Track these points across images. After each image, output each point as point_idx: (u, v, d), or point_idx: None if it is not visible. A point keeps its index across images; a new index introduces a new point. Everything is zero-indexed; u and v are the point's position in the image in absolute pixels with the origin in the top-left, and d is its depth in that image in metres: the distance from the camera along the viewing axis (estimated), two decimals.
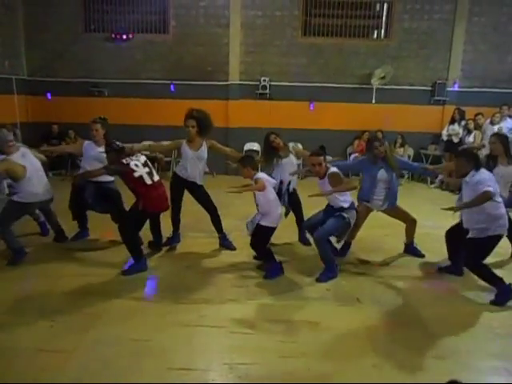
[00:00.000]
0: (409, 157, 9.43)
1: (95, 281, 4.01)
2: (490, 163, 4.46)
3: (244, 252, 4.75)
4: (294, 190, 5.04)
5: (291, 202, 4.99)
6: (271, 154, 4.87)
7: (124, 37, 9.47)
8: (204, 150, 4.77)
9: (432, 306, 3.69)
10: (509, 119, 8.25)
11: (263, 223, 4.11)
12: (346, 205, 4.19)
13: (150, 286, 4.04)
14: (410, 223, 4.80)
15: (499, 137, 4.62)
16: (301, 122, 9.43)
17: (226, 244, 4.98)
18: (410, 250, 4.91)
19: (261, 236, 4.17)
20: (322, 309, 3.59)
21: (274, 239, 4.56)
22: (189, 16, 9.52)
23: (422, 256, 4.82)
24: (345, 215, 4.18)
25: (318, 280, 4.11)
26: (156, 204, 4.28)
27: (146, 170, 4.24)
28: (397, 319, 3.48)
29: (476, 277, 3.89)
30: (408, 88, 9.63)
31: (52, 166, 8.78)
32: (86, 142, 4.95)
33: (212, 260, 4.65)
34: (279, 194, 4.69)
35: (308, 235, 4.85)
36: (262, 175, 4.19)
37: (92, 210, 4.98)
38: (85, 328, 3.17)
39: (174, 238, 5.03)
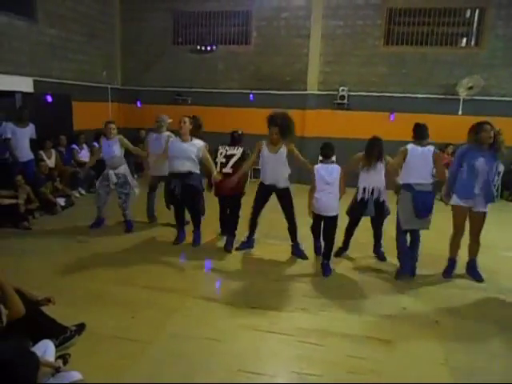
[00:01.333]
0: (499, 174, 8.73)
1: (173, 278, 4.25)
2: None
3: (318, 262, 4.74)
4: (383, 201, 4.71)
5: (376, 212, 4.69)
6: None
7: (208, 48, 9.94)
8: (283, 152, 4.81)
9: None
10: None
11: None
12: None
13: (223, 288, 4.18)
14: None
15: None
16: (380, 133, 9.07)
17: (298, 253, 5.00)
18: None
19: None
20: (395, 327, 3.46)
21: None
22: (270, 27, 9.74)
23: (481, 281, 4.40)
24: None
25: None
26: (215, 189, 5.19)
27: (222, 160, 5.11)
28: (479, 349, 3.23)
29: None
30: (499, 99, 8.94)
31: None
32: (171, 140, 5.26)
33: (285, 268, 4.69)
34: (362, 201, 4.63)
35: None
36: None
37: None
38: (162, 322, 3.37)
39: (249, 243, 5.17)
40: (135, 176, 9.45)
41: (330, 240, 4.57)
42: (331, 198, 4.46)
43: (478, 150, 4.19)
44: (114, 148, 5.59)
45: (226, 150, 5.17)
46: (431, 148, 4.45)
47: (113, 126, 5.67)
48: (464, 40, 9.40)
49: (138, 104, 10.43)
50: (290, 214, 4.94)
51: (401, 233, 4.45)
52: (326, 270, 4.50)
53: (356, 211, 4.76)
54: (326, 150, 4.69)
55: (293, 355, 3.02)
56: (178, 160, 4.96)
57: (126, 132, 10.26)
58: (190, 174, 4.99)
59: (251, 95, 9.80)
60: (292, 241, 5.05)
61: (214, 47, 9.96)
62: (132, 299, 3.75)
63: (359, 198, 4.65)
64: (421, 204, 4.26)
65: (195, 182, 5.03)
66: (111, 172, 5.60)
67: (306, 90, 9.64)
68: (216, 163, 5.08)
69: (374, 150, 4.63)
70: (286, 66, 9.67)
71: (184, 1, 10.00)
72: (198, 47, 9.99)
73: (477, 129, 4.21)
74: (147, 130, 9.93)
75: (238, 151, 5.13)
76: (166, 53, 10.27)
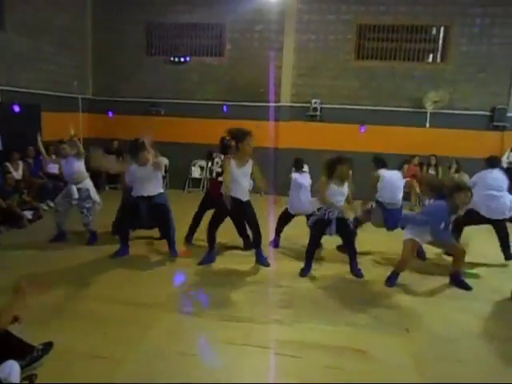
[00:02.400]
0: None
1: (146, 293, 4.17)
2: None
3: (290, 271, 4.77)
4: (346, 220, 4.82)
5: (341, 231, 4.82)
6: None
7: (182, 60, 9.95)
8: (249, 166, 4.90)
9: (499, 342, 3.49)
10: None
11: None
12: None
13: (196, 302, 4.12)
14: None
15: None
16: (351, 145, 9.35)
17: (261, 260, 5.06)
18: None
19: None
20: (369, 337, 3.50)
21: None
22: (244, 40, 9.86)
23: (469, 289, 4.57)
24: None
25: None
26: None
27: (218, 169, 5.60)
28: (449, 354, 3.32)
29: None
30: (464, 113, 9.32)
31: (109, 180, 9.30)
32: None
33: (256, 278, 4.69)
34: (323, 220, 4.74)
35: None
36: None
37: (141, 227, 5.25)
38: (135, 338, 3.30)
39: (210, 257, 5.09)
40: (106, 188, 9.31)
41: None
42: (303, 199, 5.34)
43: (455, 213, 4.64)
44: (73, 165, 5.54)
45: (221, 159, 5.23)
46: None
47: (64, 145, 5.70)
48: (431, 56, 9.79)
49: (110, 114, 10.28)
50: (255, 224, 4.98)
51: None
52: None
53: (318, 229, 4.82)
54: (298, 163, 5.87)
55: (269, 368, 3.01)
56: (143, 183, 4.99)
57: (98, 142, 10.13)
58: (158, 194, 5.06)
59: (225, 107, 9.84)
60: (256, 247, 5.09)
61: (188, 59, 9.98)
62: (103, 315, 3.65)
63: (322, 216, 4.74)
64: None
65: (163, 200, 5.09)
66: (73, 187, 5.52)
67: (279, 101, 9.77)
68: (212, 171, 5.18)
69: (336, 171, 4.69)
70: (259, 78, 9.77)
71: (158, 12, 10.00)
72: (172, 58, 9.99)
73: (451, 193, 4.48)
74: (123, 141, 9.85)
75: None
76: (140, 64, 10.20)
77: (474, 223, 5.59)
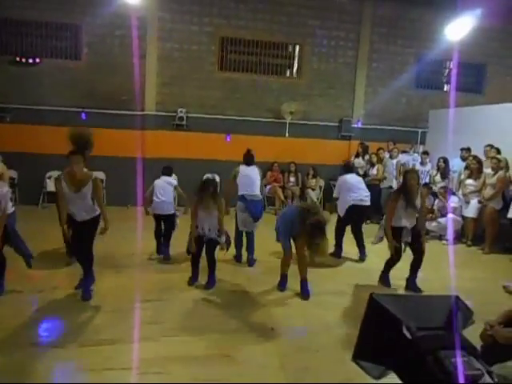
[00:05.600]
0: (320, 188, 9.99)
1: None
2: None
3: (154, 286, 4.61)
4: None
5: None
6: None
7: (31, 61, 8.95)
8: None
9: (340, 328, 3.85)
10: (402, 154, 9.23)
11: None
12: None
13: (50, 330, 3.69)
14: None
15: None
16: (218, 154, 9.55)
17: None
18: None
19: None
20: (236, 341, 3.56)
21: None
22: (104, 44, 9.32)
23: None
24: None
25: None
26: None
27: None
28: (308, 345, 3.56)
29: None
30: (318, 123, 10.29)
31: None
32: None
33: (120, 296, 4.40)
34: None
35: None
36: None
37: None
38: None
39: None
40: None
41: None
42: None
43: None
44: None
45: None
46: None
47: None
48: (288, 71, 10.59)
49: None
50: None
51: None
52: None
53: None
54: (166, 170, 6.01)
55: None
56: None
57: None
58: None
59: (83, 114, 9.14)
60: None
61: (38, 60, 9.02)
62: None
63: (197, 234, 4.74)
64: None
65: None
66: None
67: (144, 110, 9.47)
68: None
69: (206, 192, 4.70)
70: (122, 86, 9.32)
71: None
72: (18, 59, 8.91)
73: None
74: None
75: None
76: None
77: (348, 222, 6.25)
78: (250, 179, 5.71)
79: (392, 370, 2.09)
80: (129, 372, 3.02)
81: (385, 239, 5.01)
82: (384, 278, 5.05)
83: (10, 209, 4.34)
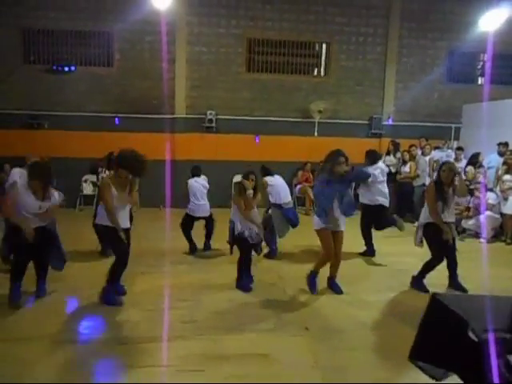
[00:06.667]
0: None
1: (28, 324, 3.75)
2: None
3: (188, 285, 4.69)
4: None
5: None
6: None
7: (66, 69, 9.30)
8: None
9: (379, 329, 3.81)
10: (435, 151, 8.99)
11: None
12: None
13: (88, 328, 3.81)
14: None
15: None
16: (247, 155, 9.60)
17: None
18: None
19: None
20: (272, 340, 3.57)
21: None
22: (134, 50, 9.58)
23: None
24: None
25: None
26: None
27: None
28: (343, 344, 3.54)
29: None
30: (347, 122, 10.18)
31: None
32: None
33: (156, 296, 4.49)
34: None
35: None
36: None
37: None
38: (18, 378, 2.93)
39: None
40: None
41: None
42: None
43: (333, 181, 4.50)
44: None
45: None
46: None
47: None
48: (315, 70, 10.53)
49: None
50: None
51: None
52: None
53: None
54: (196, 170, 6.24)
55: None
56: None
57: None
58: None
59: (117, 119, 9.41)
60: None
61: (73, 68, 9.36)
62: None
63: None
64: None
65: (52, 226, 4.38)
66: None
67: (174, 113, 9.65)
68: None
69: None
70: (152, 90, 9.55)
71: (35, 17, 9.22)
72: (55, 67, 9.28)
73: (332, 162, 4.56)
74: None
75: None
76: (16, 72, 9.28)
77: (372, 219, 6.12)
78: (283, 187, 5.85)
79: (454, 372, 2.00)
80: (166, 369, 3.09)
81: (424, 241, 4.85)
82: (419, 282, 4.74)
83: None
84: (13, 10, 9.15)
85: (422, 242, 4.86)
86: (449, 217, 4.70)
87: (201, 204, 5.99)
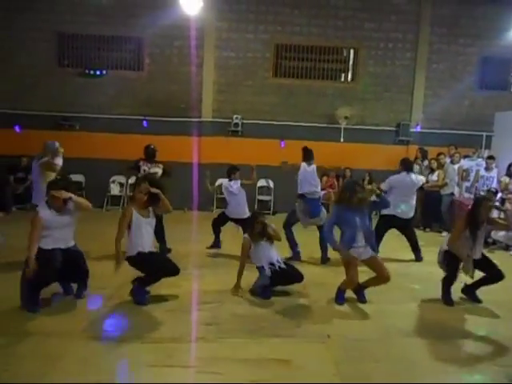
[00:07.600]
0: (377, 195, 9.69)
1: (51, 320, 3.84)
2: None
3: (211, 287, 4.70)
4: None
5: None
6: None
7: (98, 73, 9.56)
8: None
9: (402, 339, 3.72)
10: (464, 159, 8.78)
11: None
12: None
13: (111, 326, 3.88)
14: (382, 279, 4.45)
15: None
16: (272, 159, 9.58)
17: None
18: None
19: None
20: (293, 346, 3.55)
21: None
22: (163, 55, 9.77)
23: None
24: None
25: None
26: None
27: None
28: (366, 355, 3.47)
29: None
30: (374, 128, 10.06)
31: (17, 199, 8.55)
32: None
33: (178, 297, 4.54)
34: None
35: None
36: None
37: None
38: (42, 372, 3.00)
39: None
40: (13, 208, 8.53)
41: None
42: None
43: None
44: None
45: (149, 168, 5.30)
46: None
47: None
48: (343, 75, 10.47)
49: (17, 129, 9.49)
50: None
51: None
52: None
53: None
54: (231, 170, 6.26)
55: None
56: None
57: (4, 160, 9.29)
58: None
59: (145, 122, 9.60)
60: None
61: (105, 72, 9.62)
62: (3, 350, 3.29)
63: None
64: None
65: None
66: None
67: (201, 117, 9.77)
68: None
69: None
70: (180, 94, 9.71)
71: (70, 22, 9.54)
72: (87, 71, 9.56)
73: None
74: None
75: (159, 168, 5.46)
76: (50, 75, 9.61)
77: (390, 227, 6.04)
78: (308, 177, 5.76)
79: None
80: (188, 370, 3.11)
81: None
82: (447, 298, 4.55)
83: None
84: (49, 15, 9.49)
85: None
86: (477, 253, 4.42)
87: (238, 206, 6.06)
